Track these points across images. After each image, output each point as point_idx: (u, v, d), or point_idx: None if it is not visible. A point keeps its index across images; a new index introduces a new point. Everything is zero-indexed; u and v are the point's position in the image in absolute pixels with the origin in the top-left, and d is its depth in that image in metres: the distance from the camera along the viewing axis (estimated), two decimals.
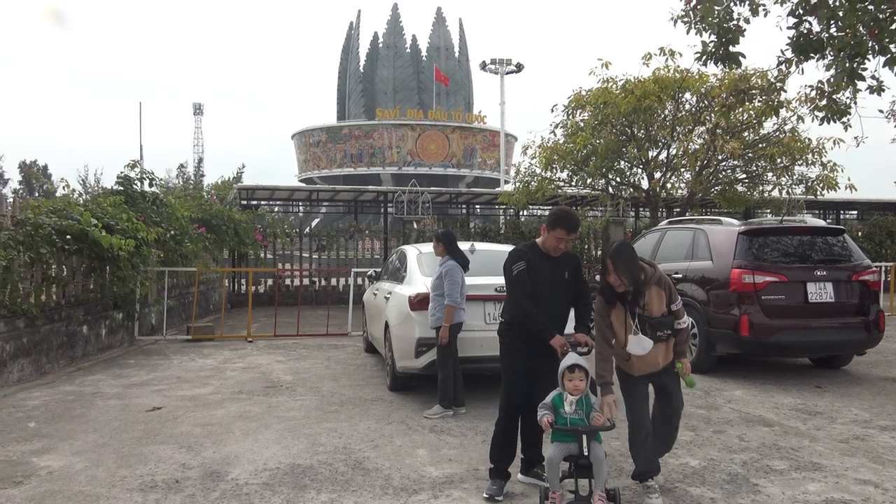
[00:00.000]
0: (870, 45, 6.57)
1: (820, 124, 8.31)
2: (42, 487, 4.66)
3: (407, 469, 5.04)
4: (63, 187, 11.83)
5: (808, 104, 11.07)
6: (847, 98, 8.11)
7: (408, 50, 67.90)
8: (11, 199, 9.63)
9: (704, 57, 7.31)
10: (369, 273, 10.61)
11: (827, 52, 7.33)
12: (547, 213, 26.41)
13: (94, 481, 4.78)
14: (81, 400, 7.25)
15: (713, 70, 14.77)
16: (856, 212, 26.67)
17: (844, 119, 7.84)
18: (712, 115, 14.54)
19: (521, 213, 22.01)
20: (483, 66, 41.55)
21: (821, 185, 14.70)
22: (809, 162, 14.54)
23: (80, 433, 5.98)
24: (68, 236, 8.89)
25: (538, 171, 15.89)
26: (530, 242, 4.78)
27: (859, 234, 21.14)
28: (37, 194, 50.18)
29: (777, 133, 14.55)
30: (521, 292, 4.58)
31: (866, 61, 6.88)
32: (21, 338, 8.23)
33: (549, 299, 4.62)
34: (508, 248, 9.57)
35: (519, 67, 41.31)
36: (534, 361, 4.60)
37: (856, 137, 9.04)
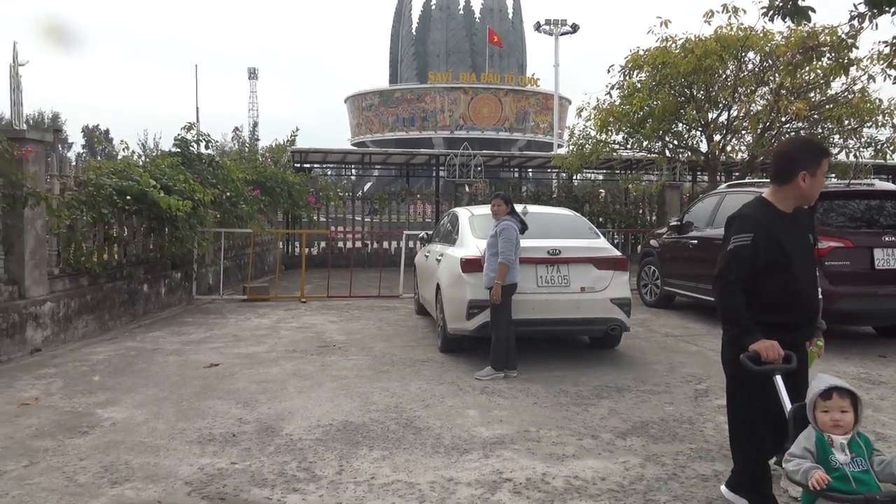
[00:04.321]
0: None
1: (894, 83, 7.91)
2: (106, 438, 4.83)
3: (458, 429, 5.05)
4: (123, 149, 12.07)
5: (882, 62, 10.57)
6: None
7: (461, 12, 66.98)
8: (74, 162, 9.89)
9: (771, 11, 6.95)
10: (421, 235, 10.61)
11: None
12: (601, 177, 25.93)
13: (155, 433, 4.93)
14: (142, 355, 7.47)
15: (779, 27, 14.27)
16: None
17: None
18: (776, 74, 13.99)
19: (574, 177, 21.70)
20: (537, 27, 40.69)
21: (891, 148, 14.07)
22: (879, 124, 13.90)
23: (141, 387, 6.17)
24: (128, 197, 9.09)
25: (593, 133, 15.59)
26: (758, 200, 3.48)
27: None
28: (99, 157, 51.61)
29: (845, 93, 13.93)
30: (731, 276, 3.31)
31: None
32: (85, 295, 8.50)
33: (806, 278, 3.40)
34: (562, 210, 9.49)
35: (574, 28, 40.35)
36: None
37: None
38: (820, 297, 3.67)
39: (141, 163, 11.40)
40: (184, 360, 7.30)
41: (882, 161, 14.84)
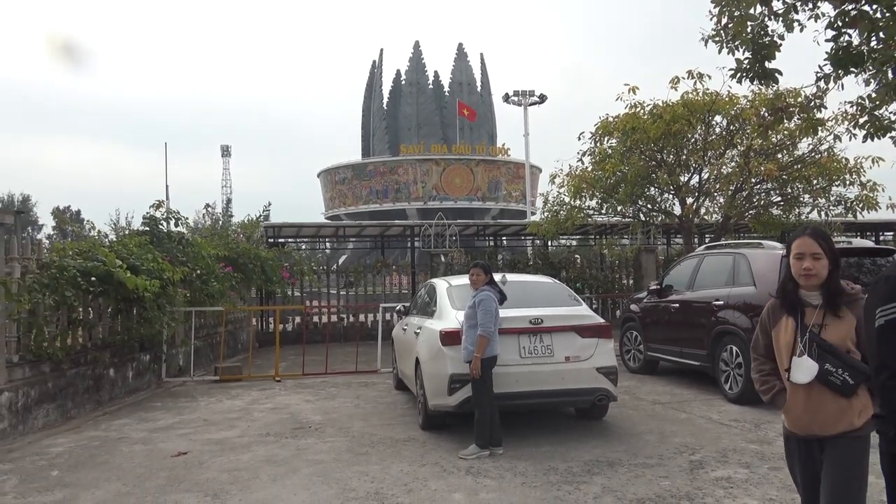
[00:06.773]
0: None
1: (863, 141, 7.98)
2: None
3: None
4: (90, 230, 11.79)
5: (848, 121, 10.74)
6: (891, 113, 7.79)
7: (430, 86, 68.39)
8: (48, 244, 9.57)
9: (740, 74, 7.05)
10: (398, 308, 10.36)
11: (868, 66, 7.04)
12: (574, 242, 26.00)
13: None
14: (106, 446, 7.04)
15: (743, 91, 14.54)
16: (893, 233, 25.90)
17: (892, 134, 7.50)
18: (744, 137, 14.22)
19: (549, 243, 21.71)
20: (506, 98, 41.68)
21: (860, 206, 14.23)
22: (847, 182, 14.10)
23: (103, 482, 5.76)
24: (93, 278, 8.77)
25: (567, 199, 15.64)
26: None
27: None
28: (69, 239, 50.97)
29: (812, 154, 14.17)
30: (891, 361, 2.48)
31: None
32: (46, 382, 8.08)
33: None
34: (541, 278, 9.31)
35: (542, 98, 41.37)
36: None
37: None
38: None
39: (107, 242, 11.10)
40: (150, 448, 6.88)
41: (853, 219, 14.97)
